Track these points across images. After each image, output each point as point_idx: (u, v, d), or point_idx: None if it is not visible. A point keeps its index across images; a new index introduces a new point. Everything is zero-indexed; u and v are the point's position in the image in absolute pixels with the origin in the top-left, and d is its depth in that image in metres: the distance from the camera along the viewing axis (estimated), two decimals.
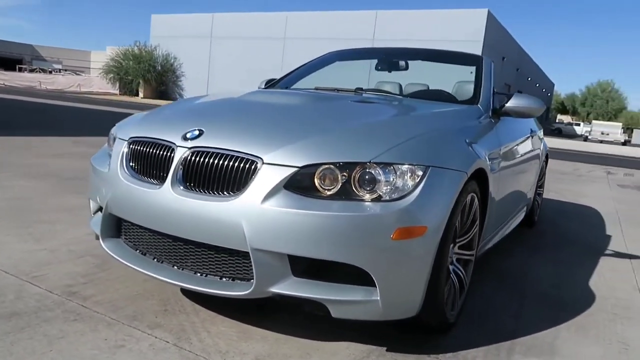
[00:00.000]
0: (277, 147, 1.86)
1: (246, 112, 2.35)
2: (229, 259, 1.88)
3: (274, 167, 1.80)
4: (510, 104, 2.93)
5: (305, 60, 4.02)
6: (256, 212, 1.76)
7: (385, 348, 1.99)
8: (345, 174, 1.81)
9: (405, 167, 1.85)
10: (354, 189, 1.81)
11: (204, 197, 1.85)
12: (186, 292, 2.31)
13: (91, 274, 2.46)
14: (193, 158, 1.92)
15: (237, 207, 1.78)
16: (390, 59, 3.77)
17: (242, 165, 1.84)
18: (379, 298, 1.78)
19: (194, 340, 1.92)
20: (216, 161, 1.88)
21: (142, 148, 2.09)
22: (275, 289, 1.80)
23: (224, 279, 1.90)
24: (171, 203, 1.89)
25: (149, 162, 2.05)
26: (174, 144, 1.98)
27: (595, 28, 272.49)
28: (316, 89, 3.26)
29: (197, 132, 1.99)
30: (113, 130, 2.40)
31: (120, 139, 2.25)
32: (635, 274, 3.34)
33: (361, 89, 3.24)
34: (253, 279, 1.80)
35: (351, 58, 4.03)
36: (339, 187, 1.81)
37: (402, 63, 3.65)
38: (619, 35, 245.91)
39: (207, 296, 2.07)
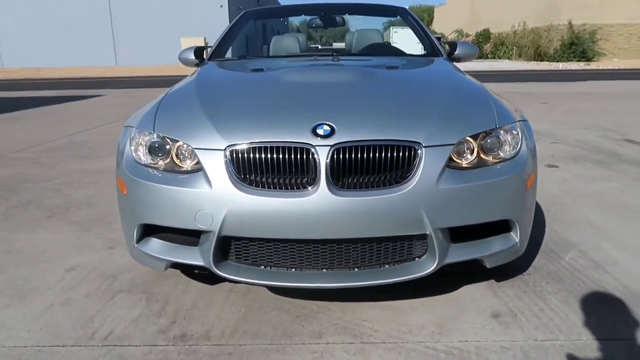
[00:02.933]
0: (423, 128, 1.89)
1: (343, 96, 2.17)
2: (400, 244, 1.91)
3: (434, 150, 1.86)
4: (459, 51, 3.37)
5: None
6: (433, 195, 1.81)
7: (493, 280, 2.32)
8: (477, 142, 1.99)
9: (516, 125, 2.11)
10: (482, 155, 2.00)
11: (370, 192, 1.80)
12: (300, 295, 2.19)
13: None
14: (340, 156, 1.81)
15: (413, 195, 1.79)
16: (321, 15, 3.79)
17: (401, 153, 1.83)
18: (518, 240, 2.07)
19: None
20: (370, 154, 1.82)
21: (260, 155, 1.83)
22: (448, 260, 1.93)
23: (396, 265, 1.93)
24: (332, 207, 1.77)
25: (278, 169, 1.82)
26: (310, 144, 1.81)
27: None
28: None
29: (328, 128, 1.85)
30: (179, 138, 1.97)
31: (204, 149, 1.89)
32: None
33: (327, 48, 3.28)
34: (435, 256, 1.88)
35: (271, 16, 3.88)
36: (475, 156, 1.98)
37: (338, 19, 3.71)
38: None
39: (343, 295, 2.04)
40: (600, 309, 2.08)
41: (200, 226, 1.87)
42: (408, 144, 1.84)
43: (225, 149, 1.86)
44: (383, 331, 1.93)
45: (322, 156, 1.80)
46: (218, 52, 3.29)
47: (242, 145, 1.85)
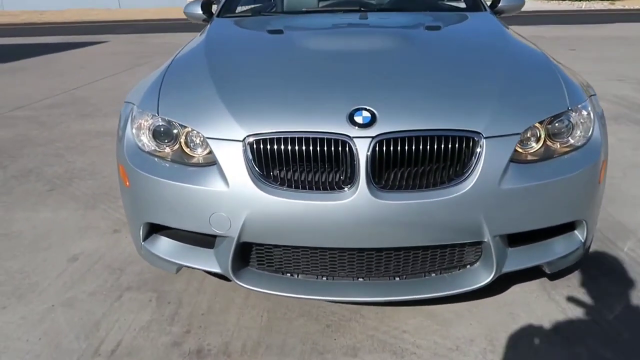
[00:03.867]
0: (483, 114, 1.56)
1: (382, 71, 1.79)
2: (450, 250, 1.63)
3: (496, 141, 1.53)
4: (504, 3, 2.94)
5: None
6: (495, 197, 1.51)
7: (545, 278, 2.06)
8: (543, 127, 1.65)
9: (587, 104, 1.77)
10: (549, 142, 1.67)
11: (419, 194, 1.49)
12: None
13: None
14: (384, 149, 1.49)
15: (471, 198, 1.49)
16: None
17: (457, 145, 1.51)
18: (583, 241, 1.78)
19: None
20: (420, 147, 1.50)
21: (285, 147, 1.51)
22: (506, 269, 1.65)
23: (445, 274, 1.66)
24: (373, 212, 1.47)
25: (308, 164, 1.52)
26: (347, 135, 1.49)
27: None
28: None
29: (368, 114, 1.52)
30: (188, 124, 1.66)
31: (219, 139, 1.58)
32: None
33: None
34: (492, 265, 1.60)
35: None
36: (542, 144, 1.65)
37: None
38: None
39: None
40: None
41: (216, 231, 1.59)
42: (466, 135, 1.51)
43: (244, 139, 1.55)
44: (426, 347, 1.69)
45: (362, 150, 1.48)
46: (227, 6, 2.88)
47: (265, 135, 1.53)
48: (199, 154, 1.68)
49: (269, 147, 1.53)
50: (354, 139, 1.49)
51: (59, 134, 4.40)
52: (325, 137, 1.50)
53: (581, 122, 1.71)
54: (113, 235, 2.51)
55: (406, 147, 1.49)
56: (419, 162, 1.51)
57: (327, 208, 1.48)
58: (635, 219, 2.56)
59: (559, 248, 1.74)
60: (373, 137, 1.49)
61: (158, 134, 1.73)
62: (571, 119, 1.69)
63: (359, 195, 1.47)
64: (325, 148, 1.50)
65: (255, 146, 1.54)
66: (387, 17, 2.64)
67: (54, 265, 2.25)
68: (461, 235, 1.55)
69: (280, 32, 2.31)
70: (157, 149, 1.73)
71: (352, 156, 1.49)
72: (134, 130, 1.80)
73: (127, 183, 1.76)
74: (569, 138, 1.69)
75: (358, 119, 1.51)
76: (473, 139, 1.51)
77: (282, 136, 1.52)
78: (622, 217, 2.58)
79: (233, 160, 1.54)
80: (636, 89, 5.79)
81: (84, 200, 2.95)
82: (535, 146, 1.64)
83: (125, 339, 1.76)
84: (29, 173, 3.42)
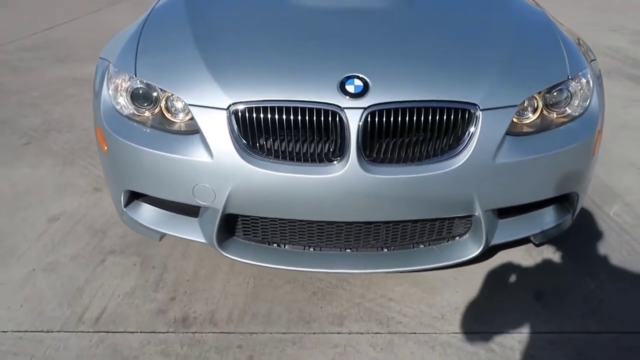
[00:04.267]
0: (481, 84, 1.48)
1: (376, 35, 1.69)
2: (440, 222, 1.60)
3: (493, 113, 1.46)
4: None
5: None
6: (488, 172, 1.46)
7: (531, 244, 2.06)
8: (541, 97, 1.59)
9: (587, 72, 1.70)
10: (546, 111, 1.61)
11: (411, 168, 1.44)
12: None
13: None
14: (375, 120, 1.42)
15: (464, 172, 1.44)
16: None
17: (452, 116, 1.44)
18: (573, 211, 1.76)
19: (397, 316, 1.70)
20: (413, 119, 1.43)
21: (272, 116, 1.43)
22: (495, 241, 1.64)
23: (433, 245, 1.64)
24: (364, 186, 1.42)
25: (296, 134, 1.44)
26: (338, 106, 1.41)
27: None
28: None
29: (360, 83, 1.44)
30: (169, 89, 1.55)
31: (201, 106, 1.48)
32: None
33: None
34: (481, 237, 1.59)
35: None
36: (538, 114, 1.60)
37: None
38: None
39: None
40: None
41: (200, 202, 1.53)
42: (461, 106, 1.44)
43: (228, 107, 1.46)
44: (412, 316, 1.70)
45: (353, 121, 1.41)
46: None
47: (250, 103, 1.45)
48: (181, 119, 1.59)
49: (254, 115, 1.44)
50: (345, 110, 1.41)
51: (33, 81, 4.20)
52: (315, 107, 1.42)
53: (580, 91, 1.65)
54: (94, 194, 2.44)
55: (399, 118, 1.42)
56: (412, 133, 1.44)
57: (316, 182, 1.42)
58: (623, 182, 2.56)
59: (548, 219, 1.72)
60: (365, 108, 1.41)
61: (136, 97, 1.63)
62: (570, 88, 1.62)
63: (348, 169, 1.41)
64: (315, 118, 1.43)
65: (240, 115, 1.45)
66: None
67: (33, 226, 2.18)
68: (452, 210, 1.52)
69: None
70: (135, 112, 1.63)
71: (342, 127, 1.42)
72: (110, 92, 1.69)
73: (105, 148, 1.68)
74: (567, 108, 1.64)
75: (350, 88, 1.43)
76: (469, 111, 1.44)
77: (269, 105, 1.43)
78: (610, 180, 2.58)
79: (217, 129, 1.46)
80: (631, 40, 5.68)
81: (62, 155, 2.84)
82: (531, 117, 1.59)
83: (110, 306, 1.74)
84: (4, 125, 3.27)
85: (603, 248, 2.05)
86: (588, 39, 5.93)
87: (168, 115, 1.60)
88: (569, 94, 1.62)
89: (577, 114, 1.65)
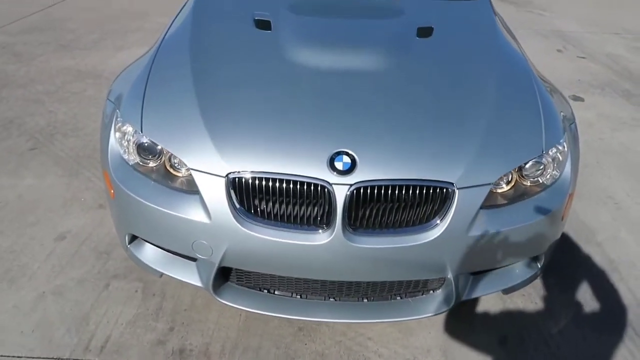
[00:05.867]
0: (459, 164, 1.60)
1: (367, 106, 1.76)
2: (416, 280, 1.76)
3: (468, 190, 1.60)
4: None
5: None
6: (462, 243, 1.61)
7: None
8: (515, 171, 1.72)
9: (563, 140, 1.81)
10: (519, 180, 1.75)
11: (391, 238, 1.58)
12: None
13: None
14: (360, 193, 1.55)
15: (439, 243, 1.59)
16: None
17: (431, 192, 1.57)
18: (541, 265, 1.92)
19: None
20: (395, 194, 1.56)
21: (266, 184, 1.56)
22: (466, 297, 1.80)
23: (409, 297, 1.80)
24: (347, 254, 1.57)
25: (288, 201, 1.58)
26: (327, 182, 1.55)
27: None
28: None
29: (348, 160, 1.57)
30: (173, 151, 1.67)
31: (202, 172, 1.61)
32: None
33: None
34: (452, 294, 1.75)
35: None
36: (512, 185, 1.73)
37: None
38: None
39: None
40: (614, 341, 2.03)
41: (198, 255, 1.68)
42: (440, 184, 1.58)
43: (227, 175, 1.59)
44: (387, 356, 1.88)
45: (340, 196, 1.54)
46: None
47: (247, 173, 1.58)
48: (182, 174, 1.72)
49: (250, 184, 1.58)
50: (333, 185, 1.54)
51: (37, 71, 4.27)
52: (306, 180, 1.55)
53: (554, 162, 1.77)
54: (98, 210, 2.58)
55: (382, 193, 1.56)
56: (393, 207, 1.58)
57: (304, 248, 1.57)
58: (599, 218, 2.71)
59: (517, 274, 1.88)
60: (351, 185, 1.55)
61: (142, 150, 1.75)
62: (544, 161, 1.74)
63: (334, 239, 1.56)
64: (305, 188, 1.56)
65: (237, 182, 1.59)
66: (382, 9, 2.50)
67: (42, 245, 2.34)
68: (426, 274, 1.67)
69: (267, 25, 2.22)
70: (140, 162, 1.76)
71: (330, 199, 1.56)
72: (117, 139, 1.81)
73: (112, 192, 1.81)
74: (539, 178, 1.77)
75: (338, 165, 1.55)
76: (447, 189, 1.58)
77: (265, 176, 1.57)
78: (585, 215, 2.73)
79: (215, 194, 1.60)
80: (631, 47, 5.72)
81: (68, 164, 2.97)
82: (505, 187, 1.72)
83: (113, 334, 1.92)
84: (10, 125, 3.38)
85: (569, 291, 2.22)
86: (589, 41, 5.99)
87: (171, 170, 1.73)
88: (542, 165, 1.75)
89: (549, 183, 1.78)
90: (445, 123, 1.71)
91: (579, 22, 6.65)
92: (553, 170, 1.78)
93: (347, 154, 1.58)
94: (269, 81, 1.86)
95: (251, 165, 1.58)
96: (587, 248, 2.48)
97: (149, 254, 1.88)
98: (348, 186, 1.55)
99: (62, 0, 6.48)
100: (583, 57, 5.28)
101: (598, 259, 2.42)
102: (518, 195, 1.73)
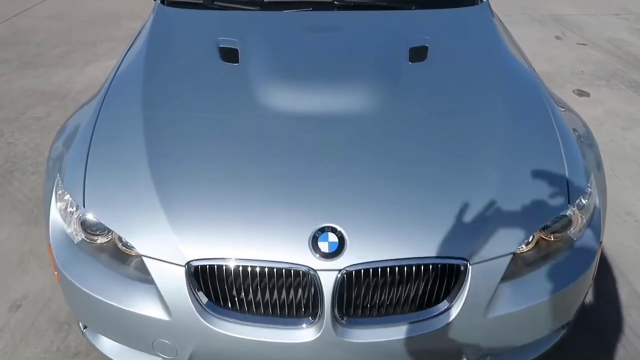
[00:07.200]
0: (471, 235, 1.31)
1: (343, 175, 1.42)
2: None
3: (484, 265, 1.31)
4: None
5: None
6: (479, 327, 1.33)
7: None
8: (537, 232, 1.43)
9: (589, 187, 1.52)
10: (543, 235, 1.46)
11: (393, 329, 1.29)
12: None
13: None
14: (352, 278, 1.26)
15: (452, 330, 1.30)
16: None
17: (438, 273, 1.28)
18: (566, 329, 1.65)
19: None
20: (395, 277, 1.27)
21: (237, 275, 1.27)
22: None
23: None
24: (339, 352, 1.29)
25: (263, 294, 1.29)
26: (309, 267, 1.25)
27: None
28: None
29: (335, 238, 1.27)
30: (121, 234, 1.39)
31: (157, 259, 1.31)
32: None
33: None
34: None
35: None
36: (534, 244, 1.44)
37: None
38: None
39: None
40: None
41: (162, 355, 1.40)
42: (449, 261, 1.29)
43: (187, 264, 1.29)
44: None
45: (327, 283, 1.25)
46: None
47: (212, 260, 1.28)
48: (136, 252, 1.41)
49: (217, 272, 1.28)
50: (318, 272, 1.25)
51: None
52: (284, 267, 1.26)
53: (580, 214, 1.48)
54: None
55: (379, 276, 1.27)
56: (393, 292, 1.29)
57: (287, 348, 1.28)
58: (621, 240, 2.43)
59: (541, 344, 1.60)
60: (340, 270, 1.25)
61: (87, 225, 1.45)
62: (570, 213, 1.46)
63: (323, 334, 1.27)
64: (284, 276, 1.27)
65: (200, 271, 1.29)
66: (363, 24, 2.14)
67: None
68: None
69: (234, 55, 1.88)
70: (86, 239, 1.46)
71: (315, 290, 1.26)
72: (59, 210, 1.51)
73: (56, 274, 1.52)
74: (566, 232, 1.48)
75: (323, 246, 1.25)
76: (458, 266, 1.29)
77: (233, 263, 1.27)
78: (606, 240, 2.45)
79: (174, 286, 1.30)
80: (634, 30, 5.39)
81: (27, 209, 2.66)
82: (525, 248, 1.43)
83: None
84: None
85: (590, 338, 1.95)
86: (588, 26, 5.67)
87: (123, 248, 1.44)
88: (568, 219, 1.46)
89: (577, 236, 1.50)
90: (451, 182, 1.41)
91: (575, 4, 6.30)
92: (580, 222, 1.49)
93: (334, 230, 1.28)
94: (236, 137, 1.53)
95: (216, 249, 1.28)
96: (617, 287, 2.21)
97: (105, 345, 1.58)
98: (336, 272, 1.25)
99: (27, 9, 6.08)
100: (584, 44, 4.96)
101: (623, 294, 2.15)
102: (541, 257, 1.44)
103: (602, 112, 3.68)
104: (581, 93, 3.96)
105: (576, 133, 1.76)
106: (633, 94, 3.96)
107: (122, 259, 1.42)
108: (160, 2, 2.32)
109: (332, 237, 1.27)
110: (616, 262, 2.31)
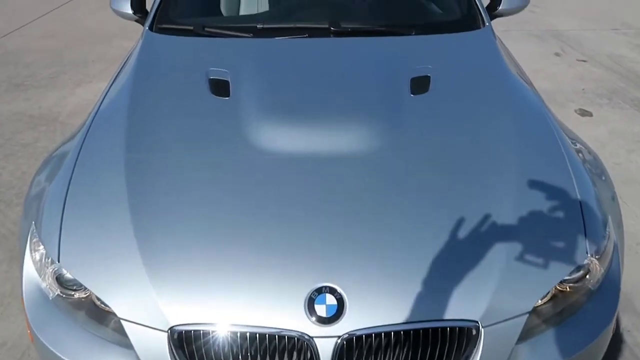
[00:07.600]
0: (483, 295, 1.19)
1: (342, 229, 1.30)
2: None
3: (497, 327, 1.19)
4: (505, 6, 2.43)
5: None
6: None
7: None
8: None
9: (607, 231, 1.41)
10: (559, 286, 1.34)
11: None
12: None
13: None
14: (353, 344, 1.14)
15: None
16: None
17: (447, 337, 1.16)
18: None
19: None
20: (400, 341, 1.15)
21: (224, 343, 1.15)
22: None
23: None
24: None
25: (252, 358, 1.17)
26: (305, 334, 1.13)
27: None
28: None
29: (333, 300, 1.15)
30: (98, 294, 1.26)
31: (137, 323, 1.19)
32: None
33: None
34: None
35: None
36: (550, 298, 1.32)
37: None
38: None
39: None
40: None
41: None
42: (459, 324, 1.17)
43: (169, 329, 1.17)
44: None
45: (325, 351, 1.13)
46: (163, 15, 2.26)
47: (197, 326, 1.16)
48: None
49: (202, 341, 1.16)
50: (314, 339, 1.13)
51: None
52: (276, 333, 1.14)
53: (599, 263, 1.37)
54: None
55: (383, 341, 1.15)
56: (397, 356, 1.17)
57: None
58: (632, 276, 2.32)
59: None
60: (340, 336, 1.13)
61: (62, 280, 1.33)
62: (588, 262, 1.34)
63: None
64: (277, 344, 1.15)
65: (184, 338, 1.17)
66: (363, 55, 1.99)
67: None
68: None
69: (225, 88, 1.77)
70: (62, 294, 1.34)
71: (312, 355, 1.14)
72: (34, 259, 1.39)
73: (29, 333, 1.39)
74: (584, 282, 1.36)
75: (320, 309, 1.14)
76: (468, 329, 1.17)
77: (221, 329, 1.15)
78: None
79: (155, 353, 1.17)
80: (634, 45, 5.32)
81: (9, 244, 2.53)
82: (541, 302, 1.31)
83: None
84: None
85: None
86: (589, 43, 5.61)
87: (101, 306, 1.31)
88: (586, 269, 1.35)
89: (596, 285, 1.38)
90: (460, 237, 1.28)
91: (574, 18, 6.25)
92: (599, 271, 1.38)
93: (332, 291, 1.16)
94: (226, 184, 1.41)
95: (202, 313, 1.17)
96: (626, 320, 2.09)
97: None
98: (336, 338, 1.13)
99: (17, 28, 5.99)
100: (584, 61, 4.89)
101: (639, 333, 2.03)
102: (558, 312, 1.32)
103: (606, 132, 3.58)
104: (584, 113, 3.86)
105: (587, 165, 1.66)
106: (636, 112, 3.87)
107: (100, 318, 1.30)
108: (149, 28, 2.21)
109: (331, 299, 1.15)
110: (631, 299, 2.19)
